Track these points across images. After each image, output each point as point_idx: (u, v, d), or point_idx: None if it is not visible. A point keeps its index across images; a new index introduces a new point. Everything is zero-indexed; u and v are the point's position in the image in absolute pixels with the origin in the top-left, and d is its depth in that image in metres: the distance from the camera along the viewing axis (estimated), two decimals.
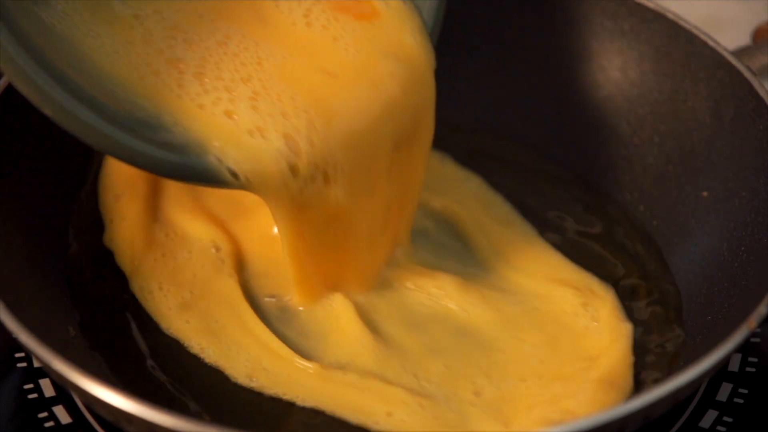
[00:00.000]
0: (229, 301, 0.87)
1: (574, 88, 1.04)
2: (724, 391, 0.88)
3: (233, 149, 0.73)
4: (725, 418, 0.86)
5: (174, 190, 0.91)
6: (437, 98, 0.89)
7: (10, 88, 0.90)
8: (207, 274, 0.89)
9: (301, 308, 0.87)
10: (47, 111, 0.72)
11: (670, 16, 0.99)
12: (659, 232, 0.97)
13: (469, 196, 0.98)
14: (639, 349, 0.88)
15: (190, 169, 0.73)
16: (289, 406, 0.83)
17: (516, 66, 1.05)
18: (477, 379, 0.83)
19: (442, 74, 1.06)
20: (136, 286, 0.89)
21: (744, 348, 0.89)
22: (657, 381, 0.85)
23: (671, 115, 0.99)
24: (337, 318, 0.86)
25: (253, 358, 0.84)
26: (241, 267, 0.90)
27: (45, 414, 0.86)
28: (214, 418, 0.83)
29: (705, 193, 0.95)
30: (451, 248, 0.93)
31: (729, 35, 1.02)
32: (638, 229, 0.98)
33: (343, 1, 0.74)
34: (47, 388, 0.87)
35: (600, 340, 0.87)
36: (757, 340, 0.91)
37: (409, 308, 0.87)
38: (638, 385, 0.86)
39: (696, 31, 0.97)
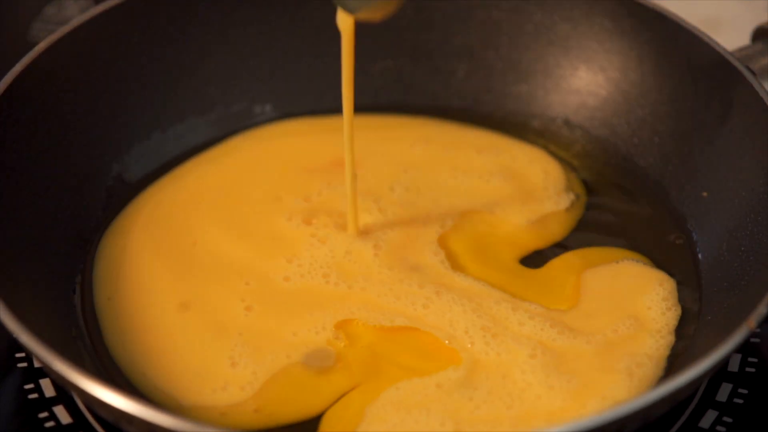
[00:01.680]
0: None
1: (573, 88, 1.04)
2: (723, 392, 0.88)
3: None
4: (725, 419, 0.86)
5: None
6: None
7: (12, 87, 0.90)
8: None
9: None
10: None
11: (670, 16, 0.98)
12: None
13: None
14: None
15: None
16: None
17: (515, 66, 1.05)
18: None
19: (441, 75, 1.07)
20: None
21: (744, 348, 0.89)
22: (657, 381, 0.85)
23: (671, 115, 0.99)
24: None
25: None
26: None
27: (45, 414, 0.86)
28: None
29: (705, 193, 0.95)
30: None
31: (729, 35, 1.02)
32: None
33: None
34: (48, 388, 0.87)
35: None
36: (757, 340, 0.91)
37: None
38: None
39: (696, 31, 0.97)
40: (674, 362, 0.86)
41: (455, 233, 0.95)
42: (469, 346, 0.86)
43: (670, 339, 0.88)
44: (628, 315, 0.89)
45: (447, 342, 0.87)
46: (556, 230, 0.96)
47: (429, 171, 1.00)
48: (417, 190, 0.99)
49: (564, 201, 0.98)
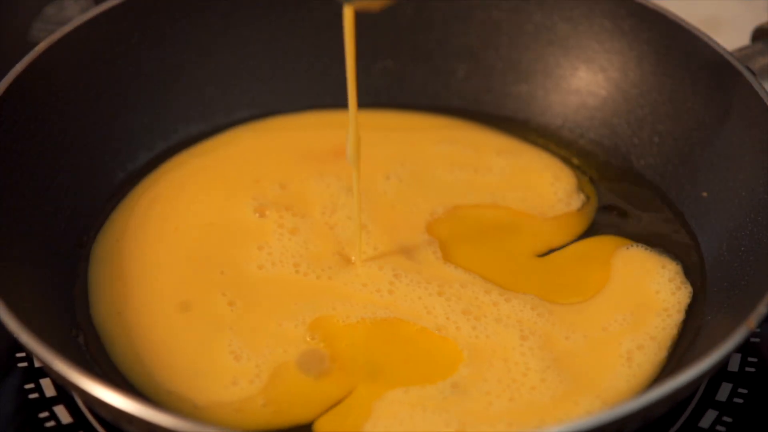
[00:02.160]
0: None
1: (573, 88, 1.04)
2: (723, 391, 0.88)
3: None
4: (725, 418, 0.86)
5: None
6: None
7: (12, 87, 0.91)
8: None
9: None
10: None
11: (670, 16, 0.98)
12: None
13: None
14: None
15: None
16: None
17: (515, 66, 1.05)
18: None
19: (441, 75, 1.07)
20: None
21: (744, 348, 0.89)
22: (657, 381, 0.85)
23: (671, 115, 0.99)
24: None
25: None
26: None
27: (46, 414, 0.86)
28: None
29: (705, 193, 0.95)
30: None
31: (729, 35, 1.02)
32: None
33: None
34: (48, 388, 0.87)
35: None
36: (757, 340, 0.91)
37: None
38: None
39: (696, 31, 0.97)
40: (677, 348, 0.87)
41: (448, 223, 0.96)
42: (456, 330, 0.87)
43: (678, 318, 0.88)
44: (633, 302, 0.89)
45: (437, 332, 0.87)
46: (566, 229, 0.97)
47: (427, 164, 1.01)
48: (410, 182, 0.99)
49: (575, 202, 0.98)
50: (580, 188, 1.00)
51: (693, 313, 0.89)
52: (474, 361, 0.85)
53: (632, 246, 0.94)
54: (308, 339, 0.87)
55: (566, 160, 1.02)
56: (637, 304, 0.89)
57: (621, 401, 0.82)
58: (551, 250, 0.95)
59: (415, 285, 0.90)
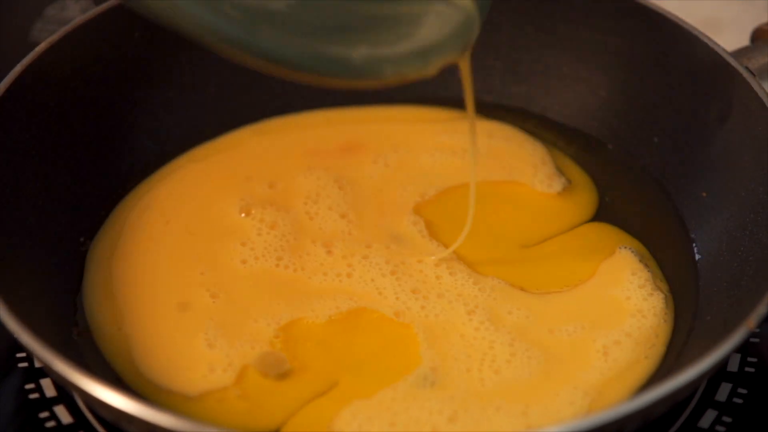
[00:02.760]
0: None
1: (573, 88, 1.04)
2: (723, 391, 0.88)
3: None
4: (724, 418, 0.86)
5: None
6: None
7: (13, 87, 0.91)
8: None
9: None
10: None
11: (670, 16, 0.99)
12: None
13: None
14: None
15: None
16: None
17: (515, 66, 1.05)
18: None
19: (441, 75, 1.07)
20: None
21: (743, 348, 0.89)
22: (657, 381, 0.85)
23: (671, 115, 0.99)
24: None
25: None
26: None
27: (46, 414, 0.86)
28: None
29: (704, 194, 0.95)
30: None
31: (729, 36, 1.02)
32: None
33: None
34: (48, 388, 0.87)
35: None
36: (757, 340, 0.91)
37: None
38: None
39: (696, 32, 0.97)
40: (670, 347, 0.87)
41: (437, 205, 0.97)
42: (407, 311, 0.88)
43: (654, 321, 0.88)
44: (601, 301, 0.90)
45: (395, 318, 0.88)
46: (561, 219, 0.97)
47: (419, 151, 1.01)
48: (398, 166, 1.00)
49: (556, 185, 0.99)
50: (561, 171, 1.00)
51: (684, 314, 0.90)
52: (433, 343, 0.86)
53: (620, 249, 0.94)
54: (273, 339, 0.87)
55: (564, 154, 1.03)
56: (608, 304, 0.90)
57: (596, 389, 0.83)
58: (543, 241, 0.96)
59: (371, 266, 0.91)
